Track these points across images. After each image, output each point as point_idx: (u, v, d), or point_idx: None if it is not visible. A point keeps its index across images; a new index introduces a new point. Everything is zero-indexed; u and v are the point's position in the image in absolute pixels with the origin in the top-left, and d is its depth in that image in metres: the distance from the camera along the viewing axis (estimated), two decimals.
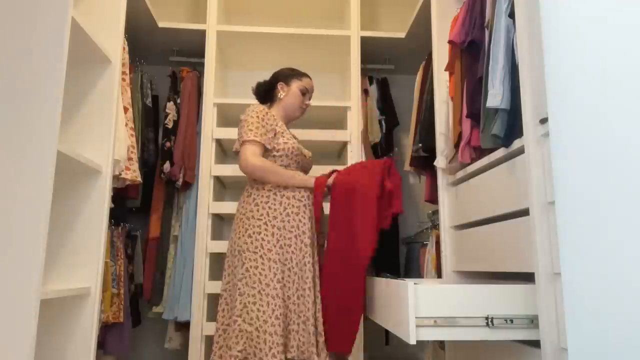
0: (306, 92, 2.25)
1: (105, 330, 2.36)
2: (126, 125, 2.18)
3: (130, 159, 2.22)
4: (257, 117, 2.04)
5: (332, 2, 3.31)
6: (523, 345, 1.42)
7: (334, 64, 3.31)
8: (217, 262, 3.01)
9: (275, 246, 1.89)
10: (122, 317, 2.34)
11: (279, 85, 2.23)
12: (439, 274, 2.31)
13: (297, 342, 1.86)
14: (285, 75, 2.26)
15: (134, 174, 2.25)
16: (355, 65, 2.93)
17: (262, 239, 1.89)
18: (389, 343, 3.00)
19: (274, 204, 1.95)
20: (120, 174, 2.15)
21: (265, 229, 1.90)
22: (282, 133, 2.09)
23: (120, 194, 2.53)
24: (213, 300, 2.85)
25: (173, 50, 3.13)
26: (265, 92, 2.28)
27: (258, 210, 1.94)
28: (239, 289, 1.86)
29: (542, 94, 1.30)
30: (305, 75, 2.28)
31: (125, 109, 2.21)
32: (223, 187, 3.19)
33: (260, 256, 1.87)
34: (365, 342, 2.65)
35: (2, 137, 1.49)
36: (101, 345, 2.39)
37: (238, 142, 2.04)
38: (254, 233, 1.90)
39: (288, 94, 2.22)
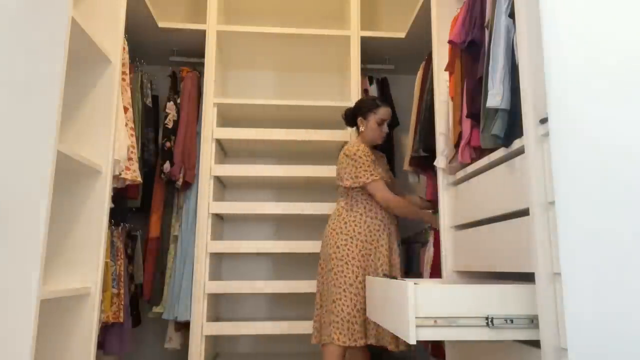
0: (382, 123, 2.46)
1: (105, 330, 2.36)
2: (126, 125, 2.18)
3: (130, 159, 2.23)
4: (367, 157, 2.35)
5: (332, 2, 3.32)
6: (523, 345, 1.42)
7: (334, 64, 3.32)
8: (217, 262, 3.01)
9: (357, 255, 2.29)
10: (122, 317, 2.34)
11: (359, 120, 2.47)
12: (435, 274, 2.31)
13: (374, 332, 2.21)
14: (363, 111, 2.47)
15: (134, 174, 2.26)
16: (355, 65, 2.93)
17: (348, 249, 2.29)
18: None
19: (359, 223, 2.33)
20: (120, 174, 2.15)
21: (351, 242, 2.30)
22: (375, 166, 2.38)
23: (121, 194, 2.53)
24: (213, 300, 2.85)
25: (173, 50, 3.13)
26: (352, 120, 2.52)
27: (346, 227, 2.33)
28: (329, 289, 2.27)
29: (542, 94, 1.30)
30: (380, 106, 2.46)
31: (125, 109, 2.21)
32: (223, 187, 3.19)
33: (345, 263, 2.27)
34: None
35: (2, 137, 1.49)
36: (101, 345, 2.38)
37: (356, 179, 2.32)
38: (341, 245, 2.30)
39: (367, 127, 2.45)
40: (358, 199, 2.37)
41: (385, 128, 2.48)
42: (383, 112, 2.44)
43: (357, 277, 2.25)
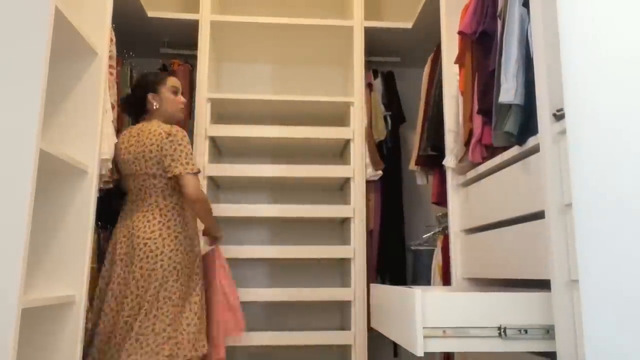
0: (177, 92, 2.34)
1: None
2: (113, 122, 2.18)
3: None
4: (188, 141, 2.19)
5: None
6: (538, 357, 1.42)
7: (335, 57, 3.31)
8: None
9: None
10: None
11: (150, 97, 2.28)
12: (445, 282, 2.31)
13: None
14: (150, 85, 2.30)
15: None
16: (359, 57, 2.93)
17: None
18: (398, 354, 3.00)
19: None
20: (106, 174, 2.15)
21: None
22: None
23: (109, 195, 2.52)
24: None
25: (163, 42, 3.13)
26: (136, 107, 2.32)
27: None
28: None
29: (559, 89, 1.30)
30: (166, 75, 2.38)
31: (113, 106, 2.20)
32: (217, 188, 3.19)
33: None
34: (371, 354, 2.65)
35: None
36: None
37: (180, 166, 2.12)
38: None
39: (163, 101, 2.29)
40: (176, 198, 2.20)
41: (181, 97, 2.35)
42: (172, 80, 2.33)
43: None
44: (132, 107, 2.35)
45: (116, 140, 2.20)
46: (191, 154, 2.16)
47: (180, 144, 2.13)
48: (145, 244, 2.09)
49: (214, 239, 2.46)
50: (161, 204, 2.17)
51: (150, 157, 2.14)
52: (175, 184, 2.18)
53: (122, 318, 2.03)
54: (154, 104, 2.27)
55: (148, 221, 2.13)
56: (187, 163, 2.12)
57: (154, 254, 2.08)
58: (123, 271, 2.09)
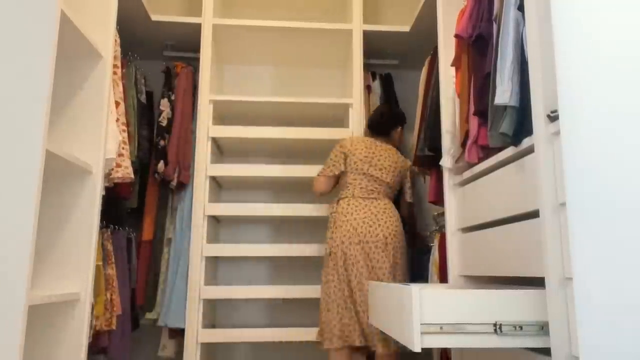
0: None
1: (109, 334, 2.37)
2: (117, 120, 2.18)
3: (121, 155, 2.22)
4: None
5: None
6: (533, 353, 1.42)
7: (335, 59, 3.31)
8: (213, 266, 3.01)
9: None
10: (115, 323, 2.34)
11: (400, 129, 2.82)
12: (441, 279, 2.31)
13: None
14: (403, 120, 2.86)
15: (125, 171, 2.25)
16: (358, 60, 2.93)
17: None
18: None
19: None
20: (111, 173, 2.15)
21: None
22: None
23: (114, 195, 2.53)
24: (209, 306, 2.85)
25: (167, 45, 3.13)
26: (385, 130, 2.79)
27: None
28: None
29: (553, 90, 1.30)
30: None
31: (117, 103, 2.20)
32: (219, 188, 3.19)
33: None
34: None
35: None
36: (104, 350, 2.40)
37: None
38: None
39: (401, 137, 2.86)
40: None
41: None
42: None
43: None
44: (384, 126, 2.76)
45: (120, 138, 2.20)
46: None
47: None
48: None
49: None
50: None
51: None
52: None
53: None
54: (397, 134, 2.80)
55: (390, 217, 2.60)
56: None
57: (400, 245, 2.56)
58: None
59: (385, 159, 2.64)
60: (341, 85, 3.34)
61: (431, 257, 2.48)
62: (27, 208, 1.46)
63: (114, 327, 2.32)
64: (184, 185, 2.85)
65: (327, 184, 2.68)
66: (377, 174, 2.60)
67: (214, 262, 3.02)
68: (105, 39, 2.03)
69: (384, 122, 2.75)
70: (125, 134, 2.31)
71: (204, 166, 2.77)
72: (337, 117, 3.12)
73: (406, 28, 3.00)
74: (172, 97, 2.94)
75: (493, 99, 1.63)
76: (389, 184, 2.62)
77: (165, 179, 2.81)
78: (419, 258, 2.90)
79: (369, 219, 2.49)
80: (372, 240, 2.46)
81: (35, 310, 1.80)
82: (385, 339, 2.33)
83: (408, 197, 2.76)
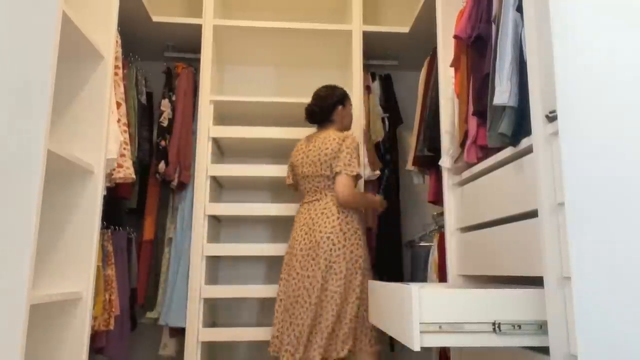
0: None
1: (107, 334, 2.37)
2: (119, 120, 2.18)
3: (122, 155, 2.22)
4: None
5: None
6: (531, 352, 1.42)
7: (335, 60, 3.32)
8: (214, 266, 3.01)
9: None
10: (112, 324, 2.34)
11: (340, 109, 2.56)
12: (440, 279, 2.31)
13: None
14: (343, 97, 2.59)
15: (127, 171, 2.25)
16: (357, 61, 2.93)
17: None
18: (395, 350, 3.00)
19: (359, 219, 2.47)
20: (112, 173, 2.15)
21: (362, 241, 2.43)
22: None
23: (114, 195, 2.53)
24: (210, 305, 2.85)
25: (167, 46, 3.13)
26: (322, 116, 2.56)
27: (353, 224, 2.40)
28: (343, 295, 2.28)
29: (551, 91, 1.30)
30: (346, 92, 2.65)
31: (118, 104, 2.21)
32: (220, 188, 3.19)
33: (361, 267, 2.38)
34: None
35: None
36: (101, 350, 2.40)
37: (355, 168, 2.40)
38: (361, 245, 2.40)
39: (347, 114, 2.60)
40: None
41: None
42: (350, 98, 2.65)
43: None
44: (319, 115, 2.55)
45: (122, 138, 2.21)
46: (356, 158, 2.40)
47: (348, 148, 2.39)
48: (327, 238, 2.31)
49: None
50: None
51: (325, 160, 2.41)
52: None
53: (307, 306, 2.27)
54: (339, 115, 2.55)
55: (327, 217, 2.36)
56: (348, 164, 2.37)
57: (335, 247, 2.30)
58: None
59: (314, 151, 2.46)
60: (341, 86, 3.33)
61: (430, 256, 2.48)
62: (28, 208, 1.46)
63: (111, 328, 2.32)
64: (184, 185, 2.85)
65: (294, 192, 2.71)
66: (310, 171, 2.46)
67: (214, 262, 3.02)
68: (107, 40, 2.03)
69: (314, 111, 2.55)
70: (127, 135, 2.31)
71: (205, 166, 2.77)
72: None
73: (405, 29, 3.00)
74: (173, 98, 2.94)
75: (492, 100, 1.63)
76: (327, 175, 2.42)
77: (166, 179, 2.81)
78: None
79: (306, 225, 2.40)
80: (305, 248, 2.35)
81: (37, 309, 1.80)
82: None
83: (338, 168, 2.37)
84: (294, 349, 2.23)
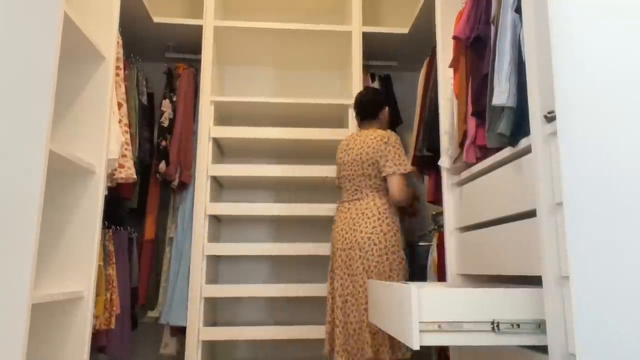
0: None
1: (107, 333, 2.37)
2: (120, 121, 2.18)
3: (124, 155, 2.22)
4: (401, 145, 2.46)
5: None
6: (530, 351, 1.42)
7: (334, 61, 3.32)
8: (214, 265, 3.01)
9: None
10: (114, 323, 2.34)
11: (386, 109, 2.57)
12: (439, 278, 2.31)
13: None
14: (384, 101, 2.58)
15: (128, 172, 2.25)
16: (357, 61, 2.93)
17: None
18: None
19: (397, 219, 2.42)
20: (114, 174, 2.15)
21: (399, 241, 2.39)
22: None
23: (116, 195, 2.53)
24: (210, 304, 2.85)
25: (168, 46, 3.13)
26: (378, 109, 2.55)
27: (395, 224, 2.38)
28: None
29: (550, 91, 1.30)
30: None
31: (120, 105, 2.21)
32: (220, 188, 3.19)
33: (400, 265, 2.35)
34: None
35: None
36: (102, 349, 2.40)
37: (401, 166, 2.37)
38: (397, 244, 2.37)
39: (385, 117, 2.58)
40: (387, 192, 2.39)
41: None
42: None
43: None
44: (371, 108, 2.52)
45: (123, 139, 2.20)
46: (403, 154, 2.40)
47: (394, 146, 2.39)
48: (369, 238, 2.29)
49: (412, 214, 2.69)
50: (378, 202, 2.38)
51: (367, 158, 2.38)
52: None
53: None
54: (382, 117, 2.54)
55: (368, 218, 2.33)
56: (400, 164, 2.36)
57: (377, 247, 2.27)
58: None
59: (355, 149, 2.44)
60: (341, 86, 3.34)
61: (429, 256, 2.48)
62: (30, 207, 1.46)
63: (112, 327, 2.32)
64: (185, 185, 2.86)
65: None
66: (351, 170, 2.43)
67: (215, 261, 3.02)
68: (108, 41, 2.03)
69: (366, 103, 2.54)
70: (128, 135, 2.31)
71: (205, 166, 2.77)
72: (336, 117, 3.12)
73: (405, 30, 3.00)
74: (174, 98, 2.94)
75: (491, 100, 1.63)
76: (369, 175, 2.39)
77: (167, 179, 2.81)
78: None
79: (347, 226, 2.37)
80: (347, 248, 2.33)
81: (38, 309, 1.80)
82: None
83: (387, 170, 2.35)
84: (352, 348, 2.23)
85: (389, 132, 2.43)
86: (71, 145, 1.94)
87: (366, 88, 2.68)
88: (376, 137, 2.39)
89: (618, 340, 0.95)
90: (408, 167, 2.37)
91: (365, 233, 2.29)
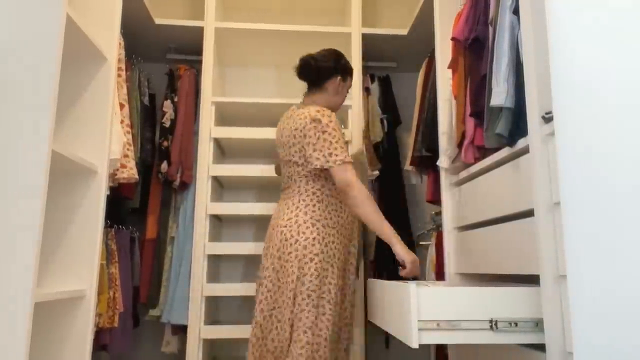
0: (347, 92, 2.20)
1: (110, 331, 2.38)
2: (122, 121, 2.18)
3: (126, 156, 2.22)
4: (340, 128, 1.87)
5: None
6: (528, 349, 1.42)
7: None
8: (215, 264, 3.01)
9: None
10: (117, 321, 2.34)
11: (334, 79, 2.06)
12: (438, 277, 2.31)
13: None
14: (344, 69, 2.09)
15: (130, 172, 2.25)
16: (357, 62, 2.93)
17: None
18: (389, 347, 3.00)
19: (341, 212, 1.99)
20: (116, 174, 2.15)
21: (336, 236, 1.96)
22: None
23: (117, 194, 2.53)
24: (211, 303, 2.85)
25: (170, 48, 3.13)
26: (324, 75, 2.06)
27: (330, 217, 1.93)
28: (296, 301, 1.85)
29: (547, 92, 1.30)
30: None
31: (122, 105, 2.21)
32: (221, 188, 3.19)
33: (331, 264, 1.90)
34: (365, 346, 2.65)
35: None
36: (104, 347, 2.40)
37: (325, 158, 1.84)
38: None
39: (340, 91, 2.09)
40: (331, 186, 1.93)
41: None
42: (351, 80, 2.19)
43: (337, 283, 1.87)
44: (314, 73, 2.08)
45: (125, 139, 2.20)
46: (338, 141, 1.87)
47: (324, 130, 1.86)
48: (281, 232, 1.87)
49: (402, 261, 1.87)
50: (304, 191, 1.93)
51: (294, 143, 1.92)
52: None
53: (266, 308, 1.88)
54: (330, 88, 2.05)
55: (287, 208, 1.91)
56: (331, 154, 1.85)
57: (288, 242, 1.84)
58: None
59: (286, 130, 1.96)
60: None
61: (428, 255, 2.48)
62: (33, 207, 1.46)
63: (115, 325, 2.33)
64: (186, 185, 2.86)
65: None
66: (282, 155, 1.99)
67: (216, 260, 3.02)
68: (110, 42, 2.03)
69: (310, 64, 2.08)
70: (130, 135, 2.31)
71: (206, 166, 2.77)
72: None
73: (404, 31, 3.00)
74: (175, 99, 2.94)
75: (489, 101, 1.63)
76: (295, 162, 1.93)
77: (168, 179, 2.81)
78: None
79: (272, 221, 2.02)
80: (266, 247, 2.00)
81: (41, 307, 1.80)
82: None
83: (315, 162, 1.85)
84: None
85: (323, 111, 1.91)
86: (73, 146, 1.94)
87: (324, 49, 2.20)
88: (306, 116, 1.89)
89: (615, 339, 0.95)
90: (343, 156, 1.83)
91: (279, 226, 1.89)
